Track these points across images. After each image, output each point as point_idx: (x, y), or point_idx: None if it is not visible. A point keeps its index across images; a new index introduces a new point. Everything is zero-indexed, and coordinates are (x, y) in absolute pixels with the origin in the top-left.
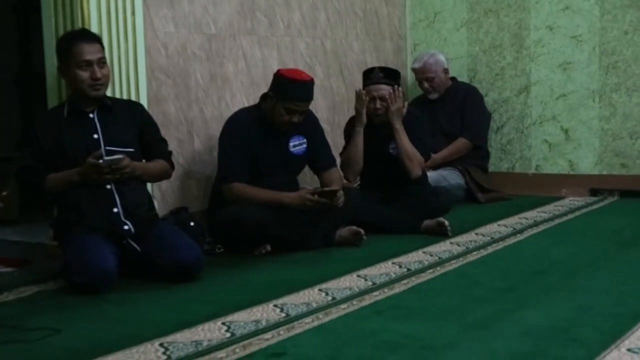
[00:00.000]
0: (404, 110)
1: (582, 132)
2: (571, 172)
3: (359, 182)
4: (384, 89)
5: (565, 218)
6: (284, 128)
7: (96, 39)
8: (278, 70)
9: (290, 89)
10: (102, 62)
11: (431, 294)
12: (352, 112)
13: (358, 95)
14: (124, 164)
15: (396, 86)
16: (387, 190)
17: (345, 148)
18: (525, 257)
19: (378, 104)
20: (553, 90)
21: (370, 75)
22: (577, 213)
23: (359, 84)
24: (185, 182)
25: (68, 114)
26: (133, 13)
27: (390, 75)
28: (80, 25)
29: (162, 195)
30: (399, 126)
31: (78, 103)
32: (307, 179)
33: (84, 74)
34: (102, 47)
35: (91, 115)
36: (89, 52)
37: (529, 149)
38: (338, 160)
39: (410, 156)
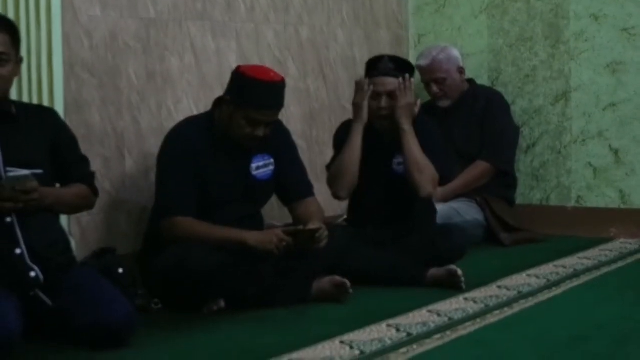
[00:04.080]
0: (416, 110)
1: (636, 153)
2: (622, 206)
3: (346, 217)
4: (394, 83)
5: (614, 266)
6: (244, 144)
7: (5, 29)
8: (238, 67)
9: (254, 92)
10: (2, 57)
11: None
12: (336, 124)
13: (359, 86)
14: (31, 186)
15: (407, 76)
16: (382, 227)
17: (333, 159)
18: (563, 319)
19: (384, 102)
20: (599, 98)
21: (378, 65)
22: (630, 260)
23: (344, 85)
24: (113, 214)
25: None
26: None
27: (403, 68)
28: None
29: (81, 232)
30: (408, 127)
31: None
32: (276, 211)
33: None
34: (14, 42)
35: None
36: None
37: (568, 174)
38: (317, 188)
39: (420, 167)
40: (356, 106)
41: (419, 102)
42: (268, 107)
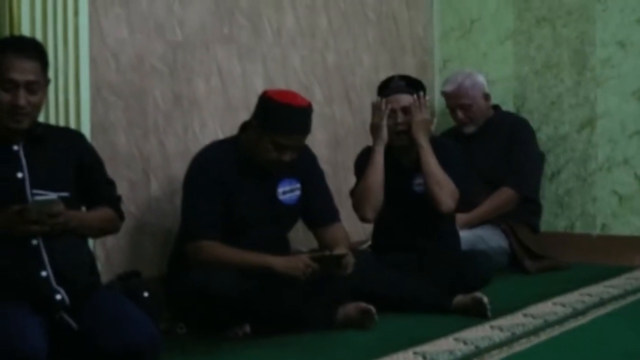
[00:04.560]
0: (432, 127)
1: None
2: None
3: (370, 243)
4: (407, 99)
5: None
6: (271, 169)
7: (36, 55)
8: (265, 92)
9: (281, 116)
10: (33, 86)
11: None
12: (362, 147)
13: (375, 107)
14: (57, 210)
15: (422, 93)
16: (406, 250)
17: (356, 185)
18: (590, 348)
19: (400, 117)
20: (625, 125)
21: (389, 84)
22: None
23: (370, 110)
24: (138, 237)
25: None
26: (76, 13)
27: (414, 85)
28: (7, 28)
29: (106, 255)
30: (424, 143)
31: None
32: (300, 235)
33: (4, 97)
34: (44, 67)
35: (15, 147)
36: (19, 70)
37: (593, 202)
38: (341, 214)
39: (439, 181)
40: (375, 127)
41: (435, 121)
42: (295, 132)
